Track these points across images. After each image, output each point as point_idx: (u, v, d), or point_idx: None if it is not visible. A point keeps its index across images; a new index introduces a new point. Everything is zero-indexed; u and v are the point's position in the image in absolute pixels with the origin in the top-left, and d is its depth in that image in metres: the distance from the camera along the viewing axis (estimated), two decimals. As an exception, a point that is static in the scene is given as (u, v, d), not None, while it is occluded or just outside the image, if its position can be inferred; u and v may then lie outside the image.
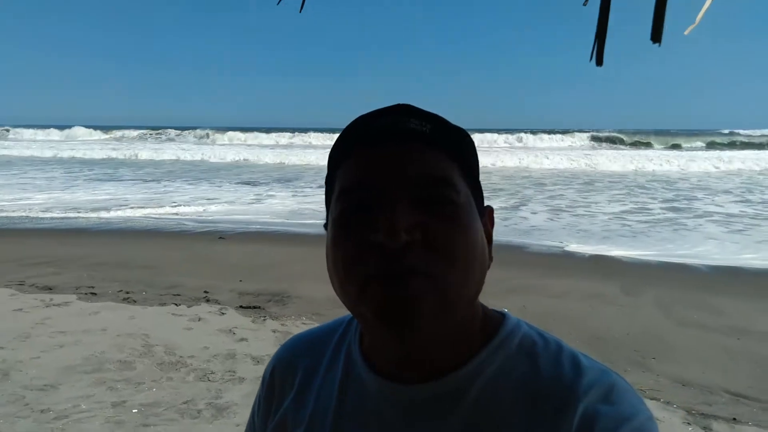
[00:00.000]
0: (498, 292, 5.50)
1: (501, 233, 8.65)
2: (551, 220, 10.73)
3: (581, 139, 38.45)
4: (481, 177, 0.69)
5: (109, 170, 21.54)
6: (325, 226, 0.66)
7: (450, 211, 0.59)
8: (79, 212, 10.94)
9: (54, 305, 5.28)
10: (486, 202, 0.69)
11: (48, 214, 10.69)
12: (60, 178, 17.96)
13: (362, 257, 0.57)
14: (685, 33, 0.88)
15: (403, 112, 0.63)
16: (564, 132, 41.19)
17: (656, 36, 0.76)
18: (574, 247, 8.16)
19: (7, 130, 51.92)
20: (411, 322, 0.56)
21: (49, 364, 3.98)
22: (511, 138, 38.78)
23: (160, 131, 50.66)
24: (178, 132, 48.98)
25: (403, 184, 0.59)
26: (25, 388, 3.62)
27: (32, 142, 40.84)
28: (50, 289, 5.84)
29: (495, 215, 0.71)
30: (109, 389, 3.66)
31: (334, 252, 0.61)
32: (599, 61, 0.79)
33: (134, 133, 51.15)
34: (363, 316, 0.60)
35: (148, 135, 49.06)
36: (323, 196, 0.70)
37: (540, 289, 6.00)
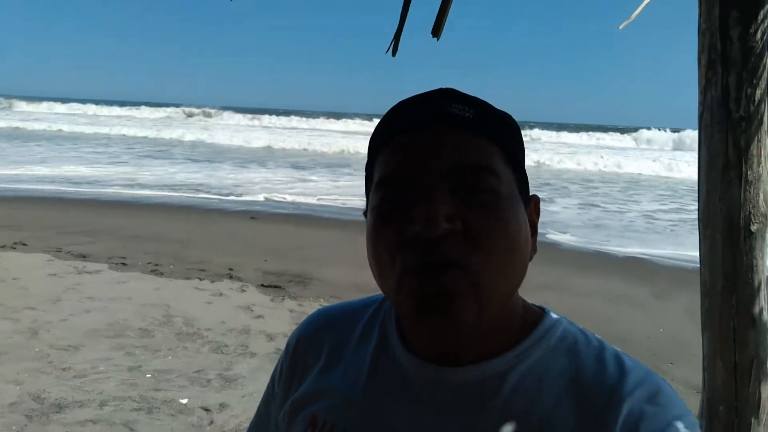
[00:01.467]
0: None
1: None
2: (583, 215, 10.60)
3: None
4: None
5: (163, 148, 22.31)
6: (365, 213, 0.66)
7: (491, 200, 0.58)
8: (116, 186, 11.46)
9: (86, 272, 5.63)
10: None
11: (88, 189, 11.23)
12: (109, 153, 18.74)
13: (399, 249, 0.57)
14: (620, 27, 0.95)
15: (444, 97, 0.62)
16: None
17: (436, 31, 0.85)
18: (608, 246, 8.06)
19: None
20: (447, 315, 0.55)
21: (75, 327, 4.29)
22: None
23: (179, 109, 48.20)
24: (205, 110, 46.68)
25: (441, 171, 0.58)
26: (50, 347, 3.92)
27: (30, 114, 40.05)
28: (84, 257, 6.21)
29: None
30: (127, 354, 3.92)
31: (372, 243, 0.61)
32: (394, 53, 0.90)
33: (162, 111, 47.69)
34: (401, 306, 0.60)
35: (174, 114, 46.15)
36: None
37: (565, 287, 5.99)
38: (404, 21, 0.96)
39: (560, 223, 9.73)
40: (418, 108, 0.62)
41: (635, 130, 36.21)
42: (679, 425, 0.55)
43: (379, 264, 0.60)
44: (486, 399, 0.60)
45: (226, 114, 43.74)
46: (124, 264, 6.03)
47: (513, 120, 0.65)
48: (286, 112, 47.31)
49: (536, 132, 36.96)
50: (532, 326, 0.65)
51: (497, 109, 0.64)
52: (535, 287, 5.69)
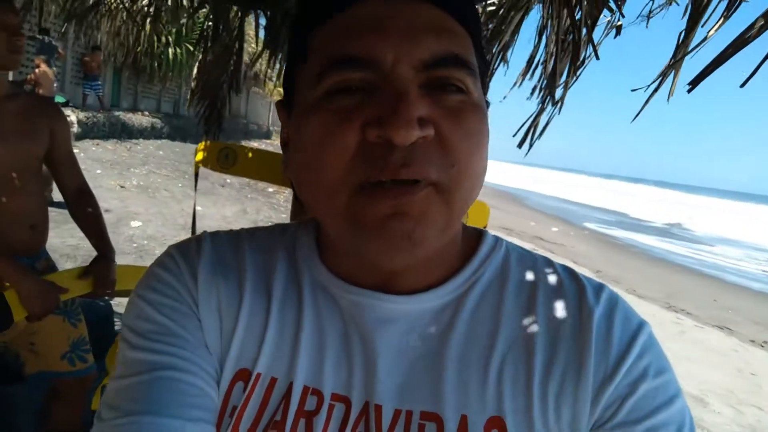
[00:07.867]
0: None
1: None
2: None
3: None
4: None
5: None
6: (284, 137, 0.57)
7: (466, 107, 0.48)
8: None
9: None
10: None
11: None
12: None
13: (359, 156, 0.46)
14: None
15: None
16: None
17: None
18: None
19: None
20: (411, 238, 0.46)
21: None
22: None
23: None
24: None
25: (415, 59, 0.46)
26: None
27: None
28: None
29: None
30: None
31: (314, 149, 0.48)
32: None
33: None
34: (350, 230, 0.48)
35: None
36: None
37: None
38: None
39: None
40: None
41: None
42: (645, 330, 0.55)
43: (320, 176, 0.48)
44: (448, 326, 0.55)
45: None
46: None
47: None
48: None
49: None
50: (475, 244, 0.61)
51: None
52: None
